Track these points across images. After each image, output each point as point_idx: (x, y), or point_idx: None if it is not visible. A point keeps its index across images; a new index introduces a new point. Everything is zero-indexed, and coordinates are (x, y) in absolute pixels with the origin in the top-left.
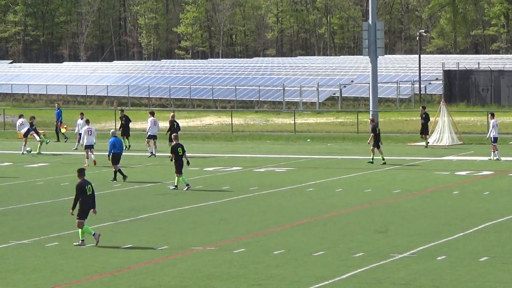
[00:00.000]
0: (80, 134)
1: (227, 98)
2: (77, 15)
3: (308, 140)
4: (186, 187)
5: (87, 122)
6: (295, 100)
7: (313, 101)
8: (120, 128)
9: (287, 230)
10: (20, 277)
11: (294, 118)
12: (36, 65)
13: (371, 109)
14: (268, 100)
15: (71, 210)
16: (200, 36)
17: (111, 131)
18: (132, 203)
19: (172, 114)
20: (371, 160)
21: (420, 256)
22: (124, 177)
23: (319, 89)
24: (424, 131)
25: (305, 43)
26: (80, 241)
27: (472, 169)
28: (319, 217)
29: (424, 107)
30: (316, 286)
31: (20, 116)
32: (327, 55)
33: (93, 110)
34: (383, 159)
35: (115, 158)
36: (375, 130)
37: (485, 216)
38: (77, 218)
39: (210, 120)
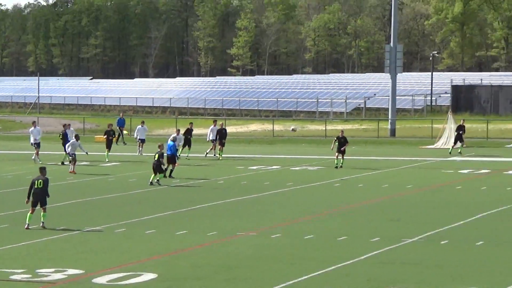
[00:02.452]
0: (140, 140)
1: (270, 109)
2: (148, 39)
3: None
4: None
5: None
6: (326, 110)
7: (341, 111)
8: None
9: (317, 218)
10: (93, 257)
11: (325, 125)
12: (112, 81)
13: (390, 117)
14: (304, 110)
15: (26, 199)
16: (249, 56)
17: (172, 135)
18: (189, 196)
19: (219, 122)
20: (336, 165)
21: (427, 241)
22: (164, 176)
23: (347, 101)
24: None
25: (337, 62)
26: (27, 225)
27: (473, 168)
28: (344, 208)
29: (463, 122)
30: (340, 265)
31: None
32: (355, 73)
33: (157, 118)
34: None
35: (169, 159)
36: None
37: (482, 207)
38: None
39: (255, 126)
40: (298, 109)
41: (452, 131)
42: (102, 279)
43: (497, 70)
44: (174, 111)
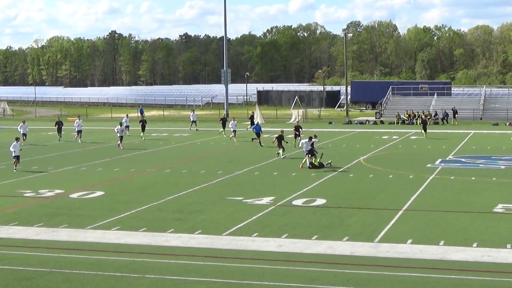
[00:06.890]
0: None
1: (161, 103)
2: (94, 65)
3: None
4: None
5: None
6: (191, 104)
7: (199, 104)
8: None
9: (191, 160)
10: (69, 183)
11: (192, 111)
12: (75, 88)
13: (225, 108)
14: (179, 104)
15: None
16: (149, 75)
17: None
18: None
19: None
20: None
21: (246, 173)
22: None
23: (202, 98)
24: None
25: (196, 78)
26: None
27: (268, 134)
28: (198, 156)
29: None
30: (202, 186)
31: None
32: (206, 84)
33: (100, 108)
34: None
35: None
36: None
37: (266, 158)
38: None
39: (155, 112)
40: (176, 103)
41: (257, 114)
42: (74, 195)
43: (280, 82)
44: (110, 104)
